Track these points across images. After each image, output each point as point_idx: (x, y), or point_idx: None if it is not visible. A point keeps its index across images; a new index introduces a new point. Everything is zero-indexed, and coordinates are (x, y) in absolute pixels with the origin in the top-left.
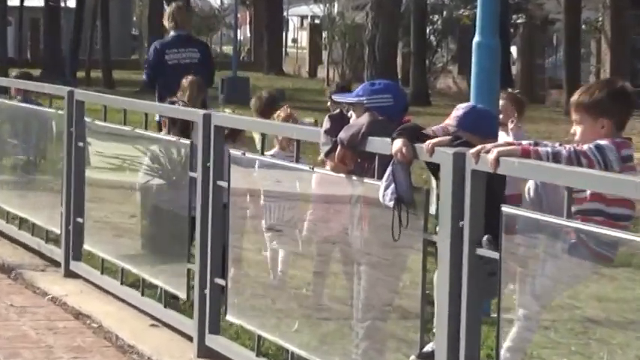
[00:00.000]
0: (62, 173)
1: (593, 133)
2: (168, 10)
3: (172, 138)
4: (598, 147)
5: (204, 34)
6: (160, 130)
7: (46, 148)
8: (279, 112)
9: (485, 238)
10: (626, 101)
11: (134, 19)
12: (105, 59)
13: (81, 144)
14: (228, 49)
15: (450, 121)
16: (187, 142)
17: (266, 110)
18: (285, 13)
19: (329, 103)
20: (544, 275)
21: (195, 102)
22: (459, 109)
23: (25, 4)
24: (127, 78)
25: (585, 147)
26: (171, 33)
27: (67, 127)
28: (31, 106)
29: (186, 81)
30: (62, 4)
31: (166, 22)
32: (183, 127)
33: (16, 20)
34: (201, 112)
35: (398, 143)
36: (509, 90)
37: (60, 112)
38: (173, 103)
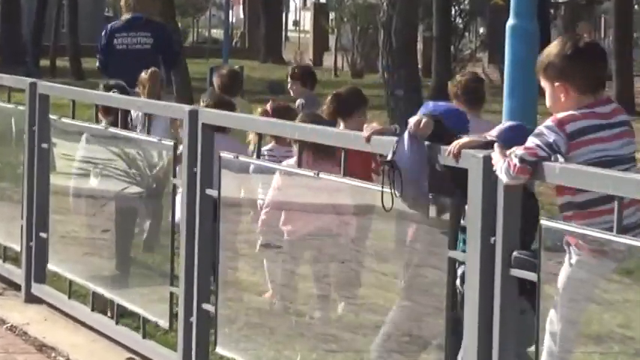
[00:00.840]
0: (22, 180)
1: (556, 100)
2: None
3: (153, 139)
4: (536, 134)
5: (189, 15)
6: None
7: (2, 151)
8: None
9: (514, 254)
10: (588, 58)
11: None
12: (73, 45)
13: (45, 145)
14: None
15: (492, 131)
16: (170, 143)
17: (230, 89)
18: None
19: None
20: (588, 299)
21: (154, 96)
22: (505, 124)
23: None
24: None
25: (528, 140)
26: (125, 16)
27: (28, 125)
28: None
29: (146, 73)
30: None
31: (122, 3)
32: (116, 117)
33: None
34: (187, 107)
35: (418, 117)
36: None
37: (20, 107)
38: (110, 88)
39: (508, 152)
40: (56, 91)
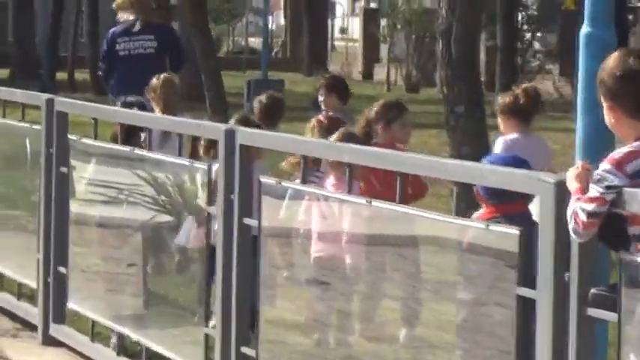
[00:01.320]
0: (38, 207)
1: (608, 121)
2: None
3: (185, 161)
4: (597, 180)
5: (223, 22)
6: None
7: (16, 175)
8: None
9: (592, 291)
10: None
11: None
12: (93, 56)
13: (64, 169)
14: (256, 42)
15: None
16: (204, 166)
17: (270, 118)
18: None
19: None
20: None
21: (172, 108)
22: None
23: None
24: None
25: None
26: (123, 17)
27: (45, 146)
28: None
29: (158, 79)
30: None
31: (116, 3)
32: (127, 133)
33: None
34: (223, 126)
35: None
36: None
37: (35, 127)
38: (131, 105)
39: (572, 207)
40: (76, 108)
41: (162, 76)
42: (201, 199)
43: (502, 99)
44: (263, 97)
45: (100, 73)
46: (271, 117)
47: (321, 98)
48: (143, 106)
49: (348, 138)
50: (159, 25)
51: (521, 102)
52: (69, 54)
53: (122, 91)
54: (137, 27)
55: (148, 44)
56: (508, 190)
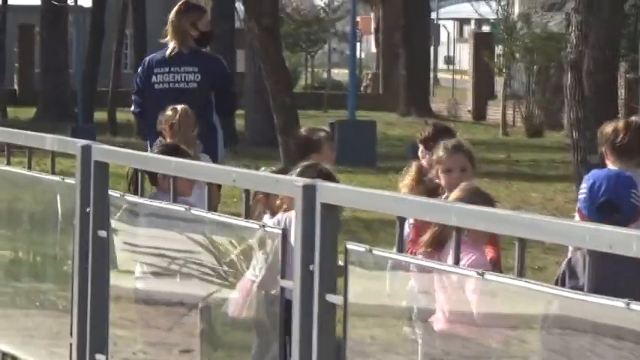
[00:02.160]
0: (72, 281)
1: None
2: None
3: (253, 224)
4: None
5: (300, 50)
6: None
7: (44, 240)
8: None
9: None
10: None
11: None
12: None
13: (103, 233)
14: (341, 74)
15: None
16: (277, 230)
17: (303, 154)
18: (433, 15)
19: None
20: None
21: (190, 146)
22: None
23: (11, 1)
24: None
25: None
26: (169, 44)
27: (80, 205)
28: (22, 172)
29: (173, 112)
30: (70, 2)
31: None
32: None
33: None
34: (301, 181)
35: None
36: None
37: (68, 180)
38: (168, 152)
39: None
40: (118, 157)
41: (179, 108)
42: (265, 268)
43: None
44: (302, 131)
45: (134, 109)
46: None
47: (421, 147)
48: (184, 152)
49: (473, 196)
50: (205, 54)
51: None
52: (110, 89)
53: (157, 133)
54: (181, 56)
55: (190, 77)
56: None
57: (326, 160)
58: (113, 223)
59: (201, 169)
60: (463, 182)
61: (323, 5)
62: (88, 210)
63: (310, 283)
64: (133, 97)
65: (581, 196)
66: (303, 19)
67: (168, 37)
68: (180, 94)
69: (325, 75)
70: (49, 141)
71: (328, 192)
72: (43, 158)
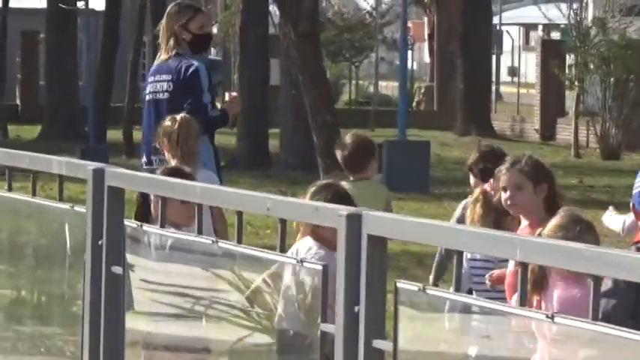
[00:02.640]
0: (82, 323)
1: None
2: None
3: (290, 258)
4: None
5: (343, 60)
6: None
7: (49, 277)
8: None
9: None
10: None
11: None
12: None
13: (117, 269)
14: (389, 86)
15: None
16: (317, 266)
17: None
18: (495, 20)
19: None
20: None
21: (192, 161)
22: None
23: (13, 4)
24: None
25: None
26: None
27: (91, 237)
28: (25, 198)
29: (172, 122)
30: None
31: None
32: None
33: None
34: (344, 210)
35: None
36: None
37: (78, 208)
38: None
39: None
40: (136, 182)
41: (179, 117)
42: (303, 311)
43: None
44: (347, 140)
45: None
46: (359, 162)
47: (471, 181)
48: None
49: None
50: (181, 59)
51: None
52: (125, 104)
53: (144, 148)
54: (162, 62)
55: (165, 86)
56: None
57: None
58: (129, 258)
59: (230, 196)
60: (524, 201)
61: (369, 9)
62: (100, 242)
63: (355, 327)
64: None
65: (635, 191)
66: (347, 24)
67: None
68: (156, 105)
69: (371, 88)
70: (56, 163)
71: (376, 222)
72: (48, 183)
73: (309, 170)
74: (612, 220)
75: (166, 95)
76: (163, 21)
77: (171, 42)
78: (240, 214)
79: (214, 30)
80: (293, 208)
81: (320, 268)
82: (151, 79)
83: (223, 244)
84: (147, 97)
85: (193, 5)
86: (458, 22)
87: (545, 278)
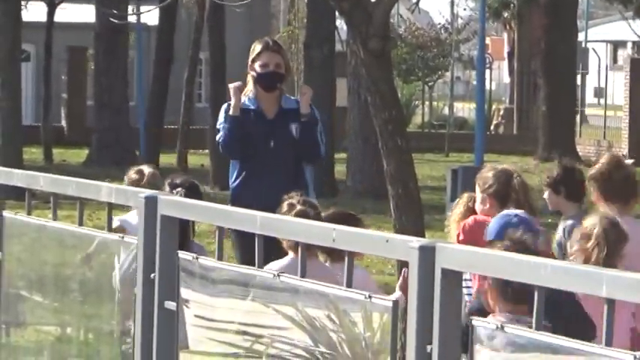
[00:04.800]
0: None
1: None
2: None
3: (359, 295)
4: None
5: (415, 79)
6: None
7: (100, 312)
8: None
9: None
10: None
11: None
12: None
13: (171, 305)
14: (465, 108)
15: None
16: (387, 302)
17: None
18: (581, 37)
19: None
20: None
21: None
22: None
23: (58, 18)
24: None
25: None
26: None
27: (143, 270)
28: (71, 228)
29: (139, 176)
30: (132, 19)
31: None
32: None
33: (40, 50)
34: (416, 242)
35: None
36: None
37: (129, 239)
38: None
39: None
40: (191, 210)
41: (146, 170)
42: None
43: None
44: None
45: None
46: None
47: (545, 195)
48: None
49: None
50: None
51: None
52: (180, 126)
53: None
54: None
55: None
56: None
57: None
58: (183, 293)
59: (294, 226)
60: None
61: (444, 24)
62: (152, 276)
63: None
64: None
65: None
66: (420, 41)
67: None
68: None
69: (447, 110)
70: (105, 190)
71: (450, 254)
72: (96, 211)
73: (377, 199)
74: None
75: None
76: None
77: (249, 80)
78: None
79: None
80: (360, 239)
81: (390, 304)
82: None
83: (285, 278)
84: None
85: (262, 41)
86: (540, 39)
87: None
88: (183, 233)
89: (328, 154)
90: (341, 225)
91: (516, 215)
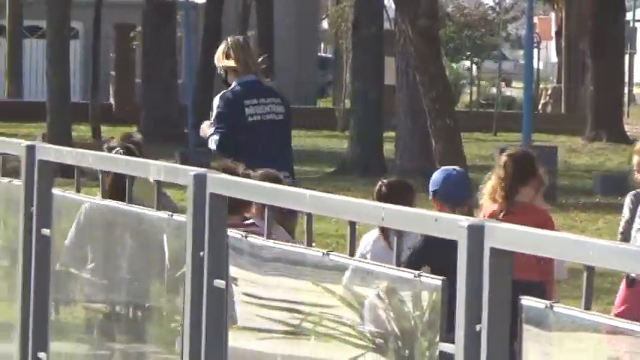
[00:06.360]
0: (182, 340)
1: None
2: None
3: (408, 274)
4: None
5: (462, 59)
6: None
7: (149, 290)
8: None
9: None
10: None
11: (323, 24)
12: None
13: (220, 283)
14: (514, 88)
15: None
16: (437, 281)
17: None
18: (629, 17)
19: None
20: None
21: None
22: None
23: None
24: (315, 146)
25: None
26: (245, 78)
27: (192, 248)
28: (120, 206)
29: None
30: None
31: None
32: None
33: (88, 28)
34: (465, 222)
35: None
36: None
37: (178, 218)
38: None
39: None
40: (240, 189)
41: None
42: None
43: None
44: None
45: (215, 146)
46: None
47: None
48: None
49: None
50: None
51: None
52: None
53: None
54: (260, 88)
55: (278, 109)
56: None
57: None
58: (232, 270)
59: (342, 205)
60: None
61: (492, 3)
62: (202, 254)
63: (476, 347)
64: (217, 131)
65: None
66: (467, 20)
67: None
68: (270, 127)
69: (494, 90)
70: (154, 168)
71: (500, 234)
72: (145, 189)
73: (425, 177)
74: None
75: (281, 117)
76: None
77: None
78: (352, 224)
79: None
80: (409, 218)
81: (439, 283)
82: (254, 101)
83: (335, 257)
84: (260, 118)
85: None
86: (588, 18)
87: None
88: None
89: (376, 133)
90: (397, 192)
91: (454, 169)
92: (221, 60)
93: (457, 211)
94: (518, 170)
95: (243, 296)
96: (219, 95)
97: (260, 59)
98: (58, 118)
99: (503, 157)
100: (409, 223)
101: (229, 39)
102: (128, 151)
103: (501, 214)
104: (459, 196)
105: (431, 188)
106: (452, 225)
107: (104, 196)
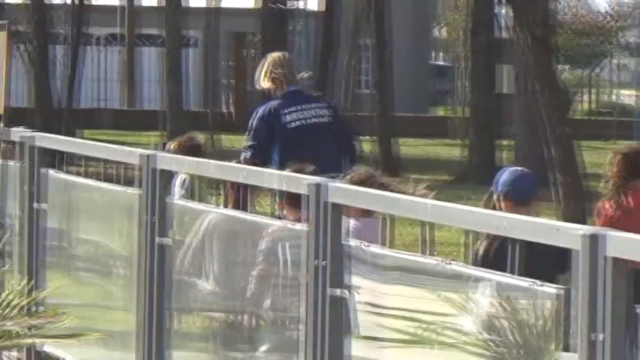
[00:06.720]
0: (304, 349)
1: None
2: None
3: (528, 283)
4: None
5: (577, 66)
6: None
7: (263, 299)
8: None
9: None
10: None
11: (434, 32)
12: (383, 112)
13: (339, 292)
14: (631, 95)
15: None
16: (554, 290)
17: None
18: None
19: None
20: None
21: None
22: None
23: (225, 3)
24: (432, 154)
25: None
26: (287, 89)
27: (310, 257)
28: (241, 216)
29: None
30: (291, 3)
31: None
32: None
33: (206, 37)
34: (582, 230)
35: None
36: None
37: (298, 227)
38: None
39: None
40: (359, 197)
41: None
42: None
43: None
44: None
45: (248, 156)
46: None
47: None
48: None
49: None
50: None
51: None
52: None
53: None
54: (300, 95)
55: (322, 112)
56: None
57: None
58: (352, 279)
59: (460, 214)
60: None
61: (608, 10)
62: (324, 263)
63: (594, 356)
64: (249, 144)
65: None
66: (582, 28)
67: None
68: (316, 129)
69: (613, 97)
70: (277, 178)
71: (619, 243)
72: (262, 197)
73: (543, 186)
74: None
75: (326, 119)
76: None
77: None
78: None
79: None
80: (529, 227)
81: (562, 292)
82: (292, 108)
83: (456, 266)
84: (303, 122)
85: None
86: None
87: None
88: None
89: (488, 141)
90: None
91: (522, 169)
92: (262, 79)
93: (522, 211)
94: (630, 167)
95: (363, 304)
96: (258, 108)
97: (307, 75)
98: (177, 126)
99: (617, 156)
100: (528, 232)
101: (268, 57)
102: (188, 153)
103: (617, 210)
104: (530, 195)
105: (500, 188)
106: (572, 234)
107: (226, 206)
